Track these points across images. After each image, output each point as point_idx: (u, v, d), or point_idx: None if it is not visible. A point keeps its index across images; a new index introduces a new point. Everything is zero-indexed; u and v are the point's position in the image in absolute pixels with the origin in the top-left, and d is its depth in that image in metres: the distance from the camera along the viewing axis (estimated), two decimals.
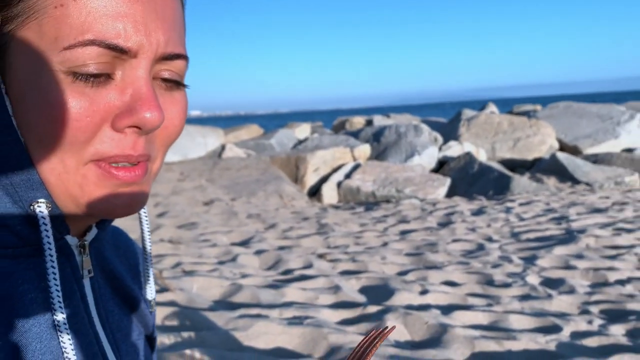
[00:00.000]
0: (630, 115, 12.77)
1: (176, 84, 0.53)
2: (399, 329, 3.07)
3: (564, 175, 10.06)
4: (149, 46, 0.48)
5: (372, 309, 3.39)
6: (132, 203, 0.51)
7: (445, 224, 6.72)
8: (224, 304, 3.43)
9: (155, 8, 0.49)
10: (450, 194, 9.65)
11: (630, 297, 3.70)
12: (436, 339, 2.95)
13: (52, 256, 0.49)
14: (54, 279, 0.49)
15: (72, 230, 0.55)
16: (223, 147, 11.37)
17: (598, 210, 7.00)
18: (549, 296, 3.76)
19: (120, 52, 0.46)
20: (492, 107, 17.66)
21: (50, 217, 0.50)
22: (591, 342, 2.96)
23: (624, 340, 2.97)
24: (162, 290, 3.50)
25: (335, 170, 10.30)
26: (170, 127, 0.53)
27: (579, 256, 4.79)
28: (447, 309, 3.48)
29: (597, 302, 3.66)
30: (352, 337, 2.85)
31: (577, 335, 3.07)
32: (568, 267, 4.51)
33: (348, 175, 9.94)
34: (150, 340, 0.71)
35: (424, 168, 10.86)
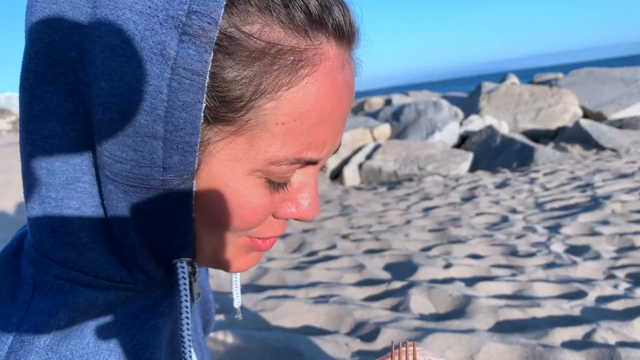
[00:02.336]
0: None
1: None
2: (423, 302, 3.12)
3: (588, 142, 9.91)
4: (328, 154, 0.50)
5: (397, 284, 3.44)
6: (255, 262, 0.55)
7: (468, 198, 6.71)
8: (251, 287, 3.51)
9: (344, 119, 0.49)
10: (473, 168, 9.60)
11: None
12: (460, 310, 2.99)
13: (186, 296, 0.50)
14: (186, 311, 0.50)
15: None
16: None
17: (624, 176, 6.90)
18: (574, 263, 3.75)
19: (311, 164, 0.48)
20: (513, 78, 17.40)
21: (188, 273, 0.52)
22: (616, 305, 2.96)
23: None
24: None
25: (355, 152, 10.32)
26: None
27: (605, 222, 4.76)
28: (471, 281, 3.51)
29: (623, 267, 3.65)
30: (377, 312, 2.91)
31: (602, 299, 3.07)
32: (593, 234, 4.49)
33: (369, 156, 9.95)
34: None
35: (446, 144, 10.80)
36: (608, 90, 12.63)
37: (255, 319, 2.83)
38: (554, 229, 4.77)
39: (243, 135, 0.44)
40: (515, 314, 2.88)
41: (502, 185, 7.42)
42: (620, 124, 10.79)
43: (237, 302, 0.70)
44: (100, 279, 0.49)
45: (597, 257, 3.88)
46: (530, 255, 4.04)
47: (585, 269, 3.65)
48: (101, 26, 0.40)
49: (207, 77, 0.41)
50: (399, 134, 11.60)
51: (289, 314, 2.88)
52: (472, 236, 4.71)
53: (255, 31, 0.41)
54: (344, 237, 4.84)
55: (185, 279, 0.50)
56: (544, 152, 9.18)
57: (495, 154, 9.87)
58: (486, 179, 8.09)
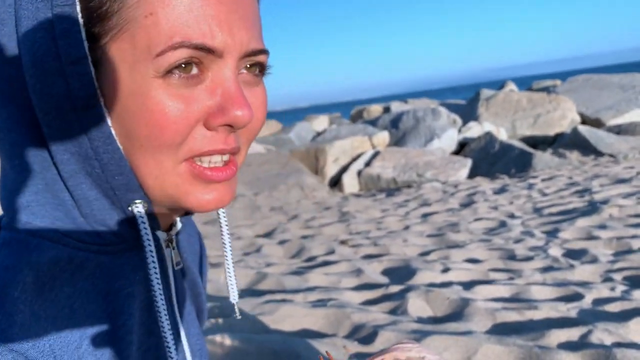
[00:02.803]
0: None
1: (259, 71, 0.56)
2: (420, 306, 3.13)
3: (586, 148, 9.94)
4: (234, 45, 0.50)
5: (394, 288, 3.45)
6: (223, 199, 0.54)
7: (467, 204, 6.73)
8: (250, 292, 3.53)
9: (237, 8, 0.50)
10: (472, 175, 9.63)
11: None
12: (458, 313, 3.00)
13: (152, 251, 0.53)
14: (155, 272, 0.53)
15: (162, 228, 0.59)
16: None
17: (622, 181, 6.93)
18: (571, 266, 3.77)
19: (207, 52, 0.49)
20: (511, 86, 17.48)
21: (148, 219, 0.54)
22: (613, 307, 2.98)
23: None
24: None
25: (354, 159, 10.35)
26: (254, 122, 0.55)
27: (602, 226, 4.77)
28: (468, 285, 3.52)
29: (620, 270, 3.66)
30: (375, 315, 2.92)
31: (599, 301, 3.09)
32: (591, 238, 4.51)
33: (368, 163, 9.98)
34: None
35: (444, 151, 10.84)
36: (606, 97, 12.68)
37: (254, 323, 2.84)
38: (552, 234, 4.79)
39: (123, 39, 0.47)
40: (512, 317, 2.90)
41: (501, 191, 7.45)
42: (619, 130, 10.84)
43: (233, 297, 0.71)
44: (69, 238, 0.52)
45: (594, 260, 3.90)
46: (528, 259, 4.05)
47: (582, 272, 3.67)
48: None
49: (77, 4, 0.47)
50: (397, 141, 11.64)
51: (288, 318, 2.90)
52: (470, 241, 4.72)
53: None
54: (343, 242, 4.86)
55: (144, 223, 0.52)
56: (543, 158, 9.21)
57: (494, 160, 9.90)
58: (485, 185, 8.12)
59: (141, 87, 0.48)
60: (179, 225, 0.63)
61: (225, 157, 0.53)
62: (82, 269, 0.52)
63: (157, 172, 0.51)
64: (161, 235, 0.59)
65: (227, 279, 0.71)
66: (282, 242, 4.88)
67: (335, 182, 9.90)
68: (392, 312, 3.09)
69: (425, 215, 6.17)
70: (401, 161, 9.79)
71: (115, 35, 0.48)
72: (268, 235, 5.35)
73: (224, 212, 0.67)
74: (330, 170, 10.12)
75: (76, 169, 0.50)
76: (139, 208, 0.52)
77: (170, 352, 0.55)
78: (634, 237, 4.36)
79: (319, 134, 13.11)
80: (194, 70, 0.49)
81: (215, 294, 3.41)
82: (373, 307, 3.15)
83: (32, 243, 0.50)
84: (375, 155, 10.23)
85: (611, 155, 9.32)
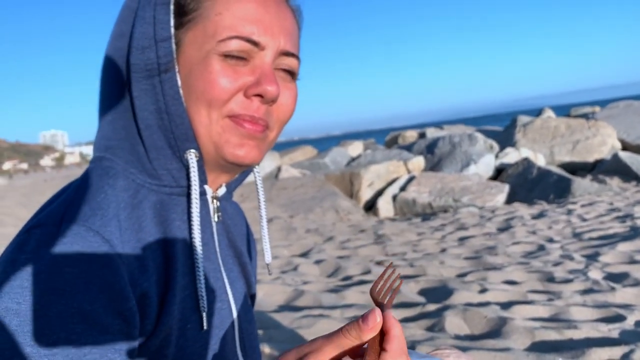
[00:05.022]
0: None
1: (291, 75, 0.77)
2: (458, 324, 3.13)
3: (627, 174, 9.74)
4: (273, 43, 0.72)
5: (432, 307, 3.46)
6: (252, 152, 0.73)
7: (504, 228, 6.67)
8: (288, 308, 3.58)
9: (279, 19, 0.73)
10: (509, 200, 9.52)
11: None
12: (496, 331, 2.99)
13: (196, 191, 0.71)
14: (197, 214, 0.71)
15: (209, 185, 0.77)
16: (279, 169, 11.66)
17: None
18: (613, 289, 3.71)
19: (253, 45, 0.70)
20: (549, 112, 17.28)
21: (197, 167, 0.72)
22: None
23: None
24: None
25: (389, 183, 10.37)
26: (284, 106, 0.75)
27: None
28: (506, 305, 3.50)
29: None
30: (412, 331, 2.94)
31: None
32: (633, 262, 4.42)
33: (403, 188, 9.98)
34: (251, 297, 0.89)
35: (481, 177, 10.76)
36: None
37: (293, 335, 2.89)
38: (592, 257, 4.71)
39: (197, 28, 0.70)
40: (552, 335, 2.87)
41: (539, 216, 7.35)
42: None
43: (267, 257, 0.90)
44: (137, 176, 0.70)
45: (636, 284, 3.82)
46: (568, 281, 4.00)
47: (624, 294, 3.60)
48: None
49: (171, 4, 0.71)
50: (433, 167, 11.62)
51: (325, 332, 2.93)
52: (508, 264, 4.68)
53: None
54: (379, 263, 4.88)
55: (194, 168, 0.69)
56: (582, 184, 9.06)
57: (531, 186, 9.78)
58: (523, 210, 8.02)
59: (205, 60, 0.69)
60: (223, 189, 0.79)
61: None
62: (147, 200, 0.69)
63: (206, 122, 0.70)
64: (208, 190, 0.76)
65: (262, 240, 0.89)
66: (318, 262, 4.93)
67: (370, 207, 9.92)
68: (430, 329, 3.10)
69: (462, 239, 6.14)
70: (437, 186, 9.76)
71: (193, 25, 0.70)
72: (304, 255, 5.41)
73: (259, 173, 0.87)
74: (365, 195, 10.16)
75: (151, 124, 0.69)
76: (191, 156, 0.70)
77: (200, 281, 0.70)
78: None
79: (353, 159, 13.19)
80: (243, 55, 0.71)
81: (255, 308, 3.48)
82: (410, 324, 3.16)
83: (111, 172, 0.69)
84: (411, 179, 10.23)
85: None
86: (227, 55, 0.69)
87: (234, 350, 0.77)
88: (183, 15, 0.70)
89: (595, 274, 4.16)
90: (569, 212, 7.39)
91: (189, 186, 0.71)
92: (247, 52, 0.70)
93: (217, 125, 0.70)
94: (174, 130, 0.68)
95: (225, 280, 0.78)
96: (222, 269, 0.78)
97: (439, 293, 3.84)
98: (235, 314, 0.78)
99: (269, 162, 11.78)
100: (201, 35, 0.69)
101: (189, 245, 0.71)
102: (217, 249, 0.78)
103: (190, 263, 0.70)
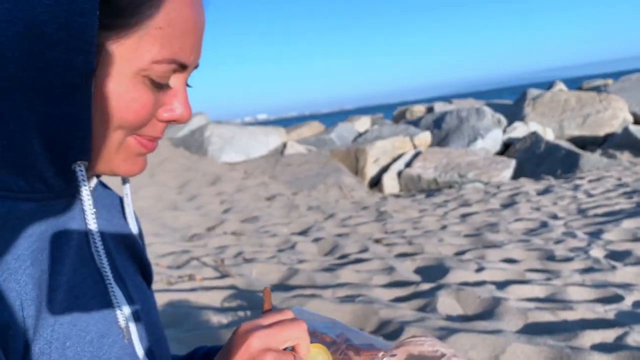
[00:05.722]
0: None
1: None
2: (450, 304, 3.08)
3: (638, 149, 9.55)
4: (194, 61, 0.63)
5: (425, 286, 3.40)
6: (142, 166, 0.65)
7: (508, 204, 6.58)
8: (281, 287, 3.55)
9: (202, 34, 0.63)
10: (516, 175, 9.40)
11: None
12: (489, 312, 2.94)
13: (90, 203, 0.61)
14: (94, 222, 0.62)
15: None
16: (284, 145, 11.59)
17: None
18: (613, 268, 3.63)
19: (182, 68, 0.61)
20: (560, 85, 16.97)
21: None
22: None
23: None
24: (222, 276, 3.67)
25: (395, 159, 10.27)
26: (183, 121, 0.68)
27: None
28: (502, 284, 3.44)
29: None
30: (403, 312, 2.89)
31: (639, 304, 2.96)
32: (637, 239, 4.33)
33: (408, 164, 9.88)
34: (146, 270, 0.80)
35: (488, 151, 10.62)
36: None
37: None
38: (595, 235, 4.62)
39: (131, 38, 0.56)
40: (546, 317, 2.81)
41: (545, 192, 7.24)
42: None
43: (133, 227, 0.78)
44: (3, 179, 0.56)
45: (638, 262, 3.74)
46: (568, 259, 3.92)
47: (625, 273, 3.52)
48: None
49: None
50: (440, 142, 11.48)
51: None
52: (509, 241, 4.61)
53: None
54: (377, 241, 4.82)
55: (84, 181, 0.59)
56: (590, 159, 8.90)
57: (539, 161, 9.64)
58: (529, 186, 7.90)
59: (131, 81, 0.57)
60: (94, 180, 0.69)
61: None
62: (14, 214, 0.57)
63: (109, 142, 0.59)
64: (85, 172, 0.64)
65: (125, 204, 0.77)
66: (316, 240, 4.89)
67: (376, 183, 9.85)
68: (421, 309, 3.05)
69: (464, 216, 6.06)
70: (443, 161, 9.65)
71: (125, 34, 0.55)
72: (303, 233, 5.37)
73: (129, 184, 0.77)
74: (371, 171, 10.07)
75: (32, 126, 0.55)
76: (81, 168, 0.59)
77: (111, 284, 0.62)
78: None
79: (360, 134, 13.07)
80: (167, 80, 0.61)
81: (246, 287, 3.45)
82: (402, 304, 3.12)
83: None
84: (417, 155, 10.12)
85: None
86: (155, 81, 0.58)
87: None
88: (114, 15, 0.54)
89: (596, 252, 4.08)
90: (576, 187, 7.27)
91: (65, 188, 0.60)
92: (171, 76, 0.61)
93: (116, 142, 0.60)
94: (69, 143, 0.56)
95: (117, 296, 0.65)
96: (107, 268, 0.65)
97: (434, 272, 3.79)
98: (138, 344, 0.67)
99: (274, 138, 11.69)
100: (133, 50, 0.56)
101: (75, 262, 0.62)
102: (104, 261, 0.65)
103: (81, 273, 0.62)
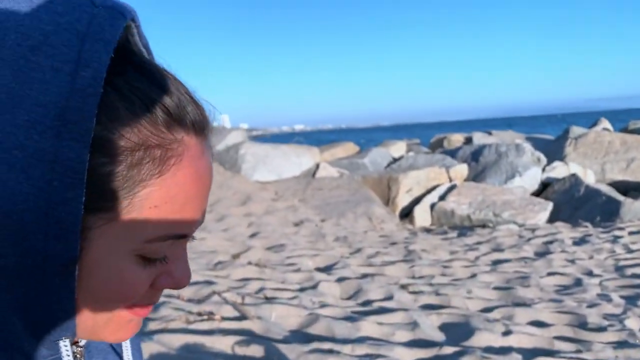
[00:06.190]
0: None
1: None
2: None
3: None
4: (198, 225, 0.57)
5: (449, 349, 3.28)
6: (137, 330, 0.60)
7: (542, 253, 6.37)
8: (299, 335, 3.48)
9: (208, 191, 0.57)
10: (553, 218, 9.13)
11: None
12: None
13: None
14: None
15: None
16: (317, 166, 11.56)
17: None
18: None
19: (181, 238, 0.55)
20: (605, 123, 16.54)
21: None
22: None
23: None
24: (241, 317, 3.62)
25: (429, 191, 10.11)
26: (183, 284, 0.62)
27: None
28: (529, 354, 3.29)
29: None
30: None
31: None
32: None
33: (442, 197, 9.71)
34: None
35: (525, 190, 10.37)
36: None
37: None
38: (632, 300, 4.41)
39: (121, 220, 0.50)
40: None
41: (581, 241, 7.00)
42: None
43: None
44: None
45: None
46: (601, 329, 3.74)
47: None
48: None
49: (85, 174, 0.46)
50: (476, 176, 11.28)
51: None
52: (540, 300, 4.44)
53: (127, 131, 0.48)
54: (403, 287, 4.71)
55: (69, 356, 0.54)
56: (632, 208, 8.58)
57: (577, 205, 9.35)
58: (565, 232, 7.66)
59: (120, 261, 0.52)
60: (83, 340, 0.64)
61: None
62: None
63: (97, 318, 0.54)
64: (70, 346, 0.58)
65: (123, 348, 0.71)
66: (340, 280, 4.80)
67: (407, 214, 9.71)
68: None
69: (495, 263, 5.89)
70: (478, 198, 9.46)
71: (116, 216, 0.50)
72: (328, 269, 5.29)
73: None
74: (402, 201, 9.94)
75: (11, 308, 0.51)
76: (66, 343, 0.54)
77: None
78: None
79: (395, 160, 12.95)
80: (165, 253, 0.55)
81: (263, 333, 3.39)
82: None
83: None
84: (451, 189, 9.95)
85: None
86: (149, 258, 0.54)
87: None
88: (102, 199, 0.49)
89: (632, 322, 3.88)
90: (615, 239, 7.00)
91: (46, 355, 0.55)
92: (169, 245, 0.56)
93: (105, 318, 0.55)
94: (51, 323, 0.51)
95: None
96: None
97: (460, 331, 3.66)
98: None
99: (307, 159, 11.67)
100: (123, 231, 0.51)
101: None
102: None
103: None
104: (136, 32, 0.54)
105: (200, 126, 0.55)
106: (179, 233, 0.54)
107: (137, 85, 0.50)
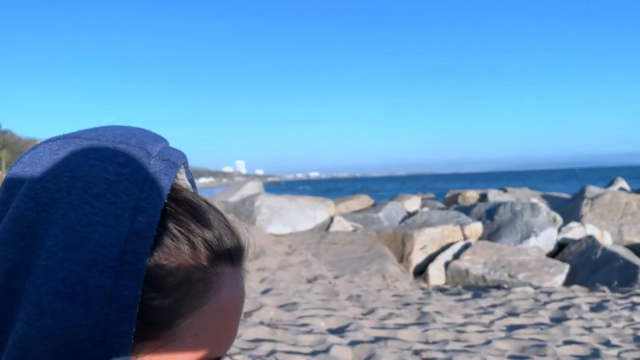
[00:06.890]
0: None
1: None
2: None
3: None
4: (228, 350, 0.61)
5: None
6: None
7: (558, 319, 6.26)
8: None
9: (240, 317, 0.61)
10: (569, 280, 8.99)
11: None
12: None
13: None
14: None
15: None
16: (331, 220, 11.58)
17: None
18: None
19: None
20: (622, 182, 16.46)
21: None
22: None
23: None
24: None
25: (443, 248, 10.05)
26: None
27: None
28: None
29: None
30: None
31: None
32: None
33: (457, 256, 9.64)
34: None
35: (541, 251, 10.26)
36: None
37: None
38: None
39: (164, 347, 0.55)
40: None
41: (599, 307, 6.87)
42: None
43: None
44: None
45: None
46: None
47: None
48: (47, 275, 0.50)
49: (137, 308, 0.51)
50: (491, 234, 11.20)
51: None
52: None
53: (173, 267, 0.53)
54: (416, 353, 4.65)
55: None
56: None
57: (594, 268, 9.22)
58: (582, 297, 7.53)
59: None
60: None
61: None
62: None
63: None
64: None
65: None
66: (352, 344, 4.76)
67: (421, 271, 9.63)
68: None
69: (510, 328, 5.79)
70: (493, 258, 9.37)
71: (160, 345, 0.54)
72: (340, 330, 5.25)
73: None
74: (417, 258, 9.88)
75: None
76: None
77: None
78: None
79: (409, 214, 12.94)
80: None
81: None
82: None
83: None
84: (466, 247, 9.88)
85: None
86: None
87: None
88: (150, 329, 0.54)
89: None
90: (633, 306, 6.87)
91: None
92: None
93: None
94: None
95: None
96: None
97: None
98: None
99: (321, 212, 11.71)
100: (166, 358, 0.56)
101: None
102: None
103: None
104: (184, 170, 0.61)
105: (237, 255, 0.60)
106: (215, 357, 0.58)
107: (183, 223, 0.55)
